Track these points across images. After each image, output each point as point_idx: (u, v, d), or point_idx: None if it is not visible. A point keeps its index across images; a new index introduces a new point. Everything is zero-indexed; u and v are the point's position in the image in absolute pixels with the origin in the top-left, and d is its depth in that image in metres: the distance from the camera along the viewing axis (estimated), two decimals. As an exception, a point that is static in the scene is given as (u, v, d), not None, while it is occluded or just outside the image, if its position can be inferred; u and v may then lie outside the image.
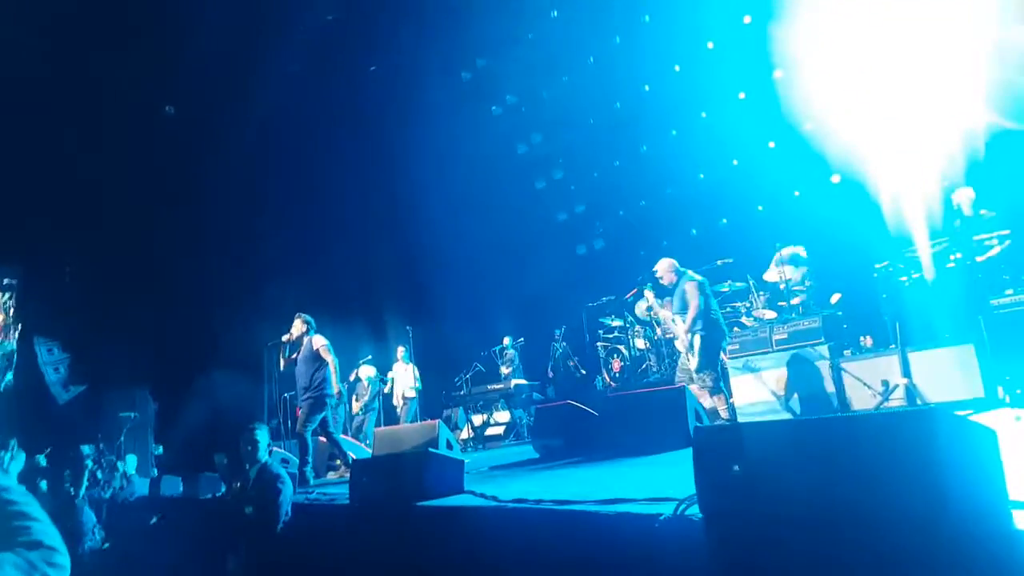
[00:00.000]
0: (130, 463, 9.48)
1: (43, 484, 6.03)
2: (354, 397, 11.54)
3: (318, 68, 12.25)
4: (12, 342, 12.98)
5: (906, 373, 6.15)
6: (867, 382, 6.43)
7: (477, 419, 11.80)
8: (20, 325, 13.42)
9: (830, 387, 6.74)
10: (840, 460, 2.18)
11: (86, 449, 6.76)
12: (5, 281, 13.86)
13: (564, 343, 12.29)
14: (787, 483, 2.26)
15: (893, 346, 6.38)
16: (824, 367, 6.83)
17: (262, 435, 4.77)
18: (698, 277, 7.03)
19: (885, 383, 6.28)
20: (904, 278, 6.95)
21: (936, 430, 2.02)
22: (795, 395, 7.00)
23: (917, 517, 1.93)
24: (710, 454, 2.47)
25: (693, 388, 6.53)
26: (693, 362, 6.75)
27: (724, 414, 6.71)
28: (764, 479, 2.31)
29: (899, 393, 6.11)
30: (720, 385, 6.82)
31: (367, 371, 11.46)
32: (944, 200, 6.78)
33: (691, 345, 6.77)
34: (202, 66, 11.74)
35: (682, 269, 7.11)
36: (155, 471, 10.43)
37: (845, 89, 7.90)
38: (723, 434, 2.61)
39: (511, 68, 12.50)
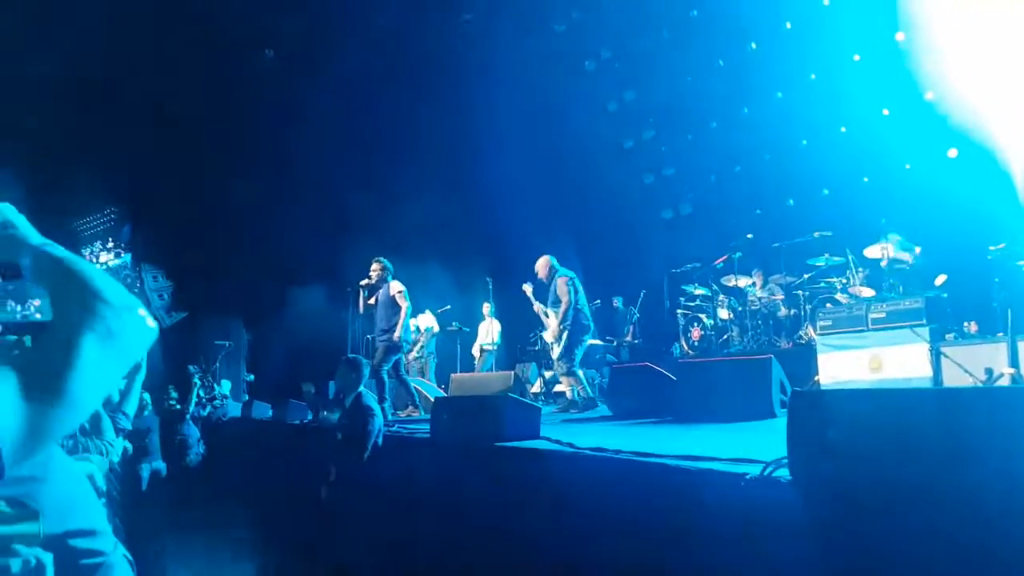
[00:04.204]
0: (224, 388, 10.19)
1: (147, 397, 6.55)
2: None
3: (412, 17, 12.28)
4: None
5: (1014, 363, 5.73)
6: (969, 369, 6.06)
7: (549, 375, 11.89)
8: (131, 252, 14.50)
9: (927, 371, 6.39)
10: (944, 433, 2.09)
11: (192, 368, 7.30)
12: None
13: (637, 312, 12.12)
14: (885, 452, 2.19)
15: (1001, 334, 5.96)
16: (922, 350, 6.46)
17: (360, 367, 5.11)
18: (570, 273, 7.44)
19: (989, 371, 5.89)
20: (1022, 261, 6.44)
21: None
22: (888, 377, 6.68)
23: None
24: (806, 418, 2.42)
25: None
26: (556, 350, 7.28)
27: (569, 395, 7.35)
28: (861, 447, 2.24)
29: (1004, 382, 5.71)
30: (574, 369, 7.26)
31: (426, 320, 11.85)
32: None
33: (559, 336, 7.25)
34: (300, 14, 12.09)
35: (556, 266, 7.55)
36: (246, 396, 11.12)
37: (978, 55, 7.18)
38: (821, 399, 2.54)
39: (607, 21, 12.08)
